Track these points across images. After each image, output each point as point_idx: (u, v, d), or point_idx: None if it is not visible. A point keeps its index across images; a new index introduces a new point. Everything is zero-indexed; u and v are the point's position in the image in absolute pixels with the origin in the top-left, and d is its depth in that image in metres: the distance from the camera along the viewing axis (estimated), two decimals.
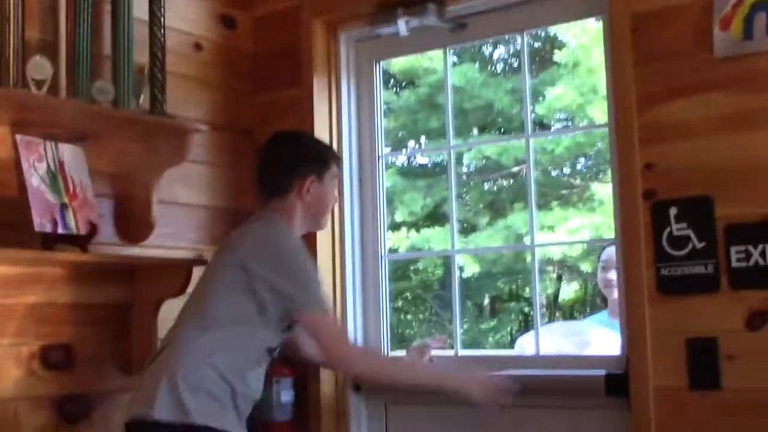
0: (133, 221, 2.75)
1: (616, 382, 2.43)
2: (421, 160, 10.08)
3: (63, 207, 2.45)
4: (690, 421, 2.29)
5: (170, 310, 2.78)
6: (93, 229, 2.51)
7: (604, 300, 3.48)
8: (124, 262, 2.68)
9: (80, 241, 2.49)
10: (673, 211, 2.35)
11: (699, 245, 2.31)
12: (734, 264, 2.25)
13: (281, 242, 2.40)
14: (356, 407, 2.98)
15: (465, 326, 11.07)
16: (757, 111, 2.26)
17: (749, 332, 2.21)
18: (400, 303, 10.87)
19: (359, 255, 3.13)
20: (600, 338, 3.35)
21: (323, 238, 3.01)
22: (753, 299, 2.21)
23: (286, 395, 2.94)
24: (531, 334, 3.21)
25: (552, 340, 3.30)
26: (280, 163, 2.54)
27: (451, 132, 3.18)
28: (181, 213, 2.95)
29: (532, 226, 3.01)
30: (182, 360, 2.28)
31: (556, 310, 12.52)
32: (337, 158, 2.61)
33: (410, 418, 2.92)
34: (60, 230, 2.41)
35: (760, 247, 2.22)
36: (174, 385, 2.23)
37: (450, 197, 3.23)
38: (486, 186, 11.00)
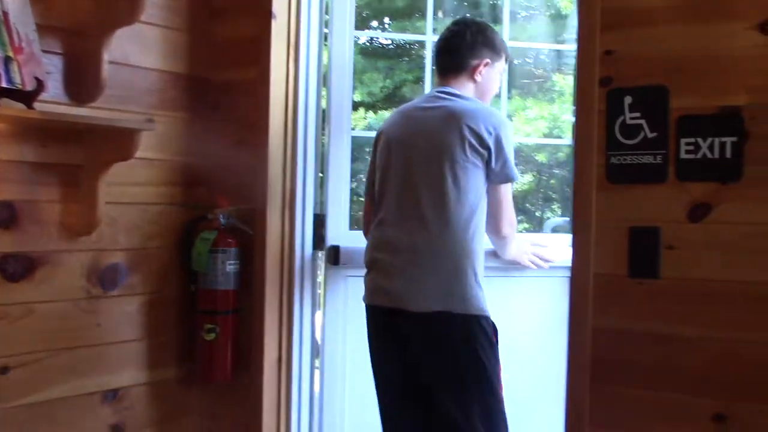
0: (82, 80, 2.68)
1: None
2: (383, 40, 9.92)
3: (7, 60, 2.37)
4: (627, 308, 2.33)
5: (118, 174, 2.76)
6: (40, 85, 2.44)
7: None
8: (72, 122, 2.60)
9: (26, 98, 2.43)
10: (628, 99, 2.33)
11: (650, 135, 2.31)
12: (682, 155, 2.26)
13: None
14: (334, 278, 3.10)
15: None
16: (719, 1, 2.23)
17: (690, 223, 2.24)
18: (354, 184, 10.89)
19: (328, 132, 3.13)
20: None
21: (278, 115, 3.00)
22: (697, 191, 2.23)
23: (231, 265, 2.95)
24: None
25: None
26: (463, 42, 2.79)
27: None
28: (132, 75, 2.87)
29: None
30: (456, 250, 2.58)
31: None
32: (508, 55, 2.87)
33: None
34: (3, 84, 2.34)
35: (709, 140, 2.23)
36: (463, 277, 2.57)
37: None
38: None
